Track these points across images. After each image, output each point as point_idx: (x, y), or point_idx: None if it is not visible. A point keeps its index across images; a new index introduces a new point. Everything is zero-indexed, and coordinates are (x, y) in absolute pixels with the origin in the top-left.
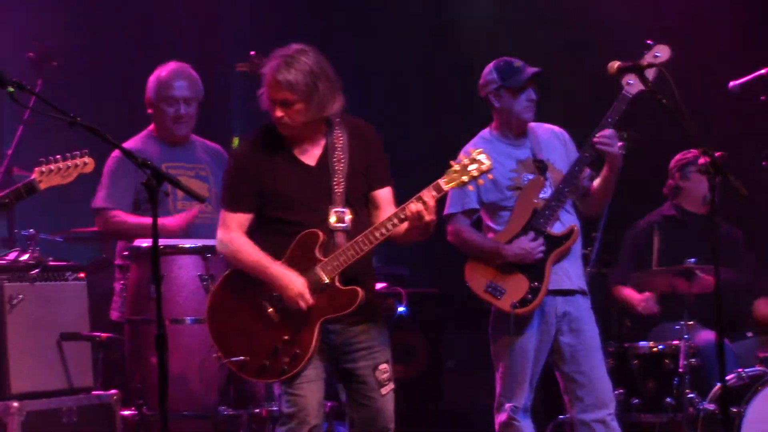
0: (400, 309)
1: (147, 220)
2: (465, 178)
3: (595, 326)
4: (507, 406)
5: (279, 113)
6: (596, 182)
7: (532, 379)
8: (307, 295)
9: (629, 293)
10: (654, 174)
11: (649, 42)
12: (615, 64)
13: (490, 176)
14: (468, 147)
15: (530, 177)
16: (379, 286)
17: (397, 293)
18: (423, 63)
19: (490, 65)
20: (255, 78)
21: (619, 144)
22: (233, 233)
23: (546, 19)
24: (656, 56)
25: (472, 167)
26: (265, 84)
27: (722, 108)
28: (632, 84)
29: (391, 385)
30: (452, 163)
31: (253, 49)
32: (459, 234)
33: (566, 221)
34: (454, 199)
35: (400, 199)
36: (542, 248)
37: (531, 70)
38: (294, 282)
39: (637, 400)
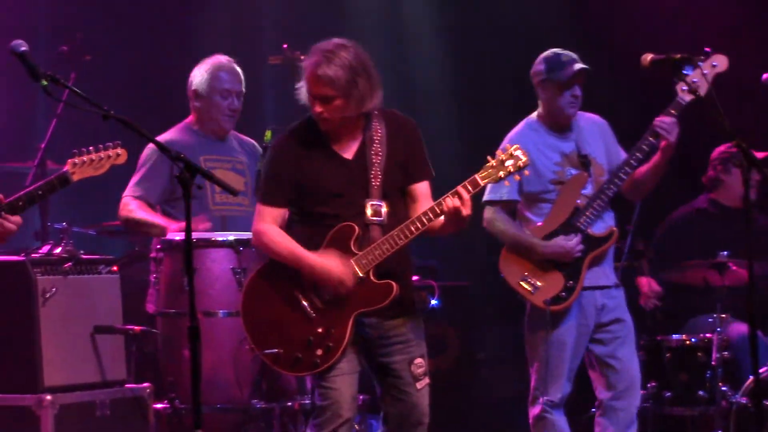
0: (433, 302)
1: (153, 218)
2: (501, 174)
3: (630, 317)
4: (541, 399)
5: (318, 108)
6: (644, 169)
7: (570, 373)
8: (348, 281)
9: (641, 282)
10: (687, 167)
11: (707, 50)
12: (648, 57)
13: (526, 172)
14: (511, 135)
15: (573, 172)
16: None
17: (429, 286)
18: (453, 57)
19: (541, 55)
20: (288, 71)
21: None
22: (267, 225)
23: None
24: (713, 66)
25: (508, 163)
26: (304, 78)
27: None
28: (686, 90)
29: (427, 380)
30: (489, 158)
31: (286, 41)
32: (495, 223)
33: (607, 219)
34: (494, 188)
35: (436, 193)
36: (581, 248)
37: (577, 66)
38: (334, 268)
39: (669, 393)
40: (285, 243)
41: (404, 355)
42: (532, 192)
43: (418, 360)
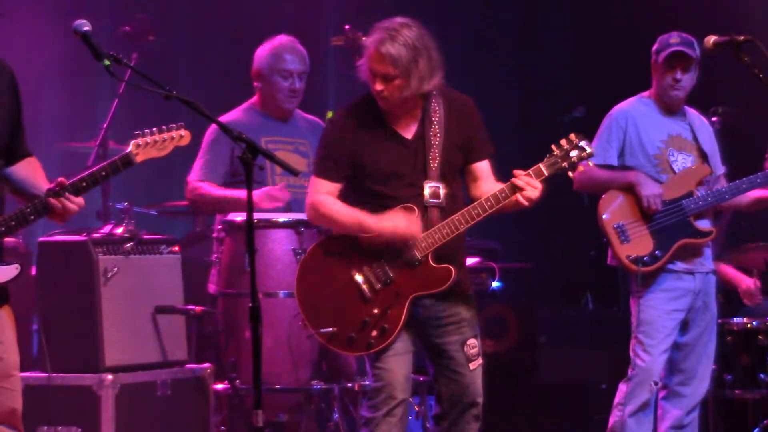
0: (494, 284)
1: (233, 193)
2: (565, 164)
3: (715, 305)
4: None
5: (379, 86)
6: (752, 196)
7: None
8: (417, 233)
9: (734, 273)
10: (750, 151)
11: None
12: (711, 39)
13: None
14: (620, 106)
15: (677, 152)
16: (472, 260)
17: (490, 268)
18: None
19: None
20: (350, 52)
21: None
22: (322, 196)
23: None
24: None
25: (573, 153)
26: (366, 56)
27: None
28: None
29: (480, 360)
30: (553, 147)
31: (348, 22)
32: (589, 176)
33: (709, 219)
34: (597, 151)
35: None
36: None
37: (673, 49)
38: (399, 220)
39: (730, 376)
40: (345, 210)
41: (457, 336)
42: (634, 164)
43: (471, 341)
